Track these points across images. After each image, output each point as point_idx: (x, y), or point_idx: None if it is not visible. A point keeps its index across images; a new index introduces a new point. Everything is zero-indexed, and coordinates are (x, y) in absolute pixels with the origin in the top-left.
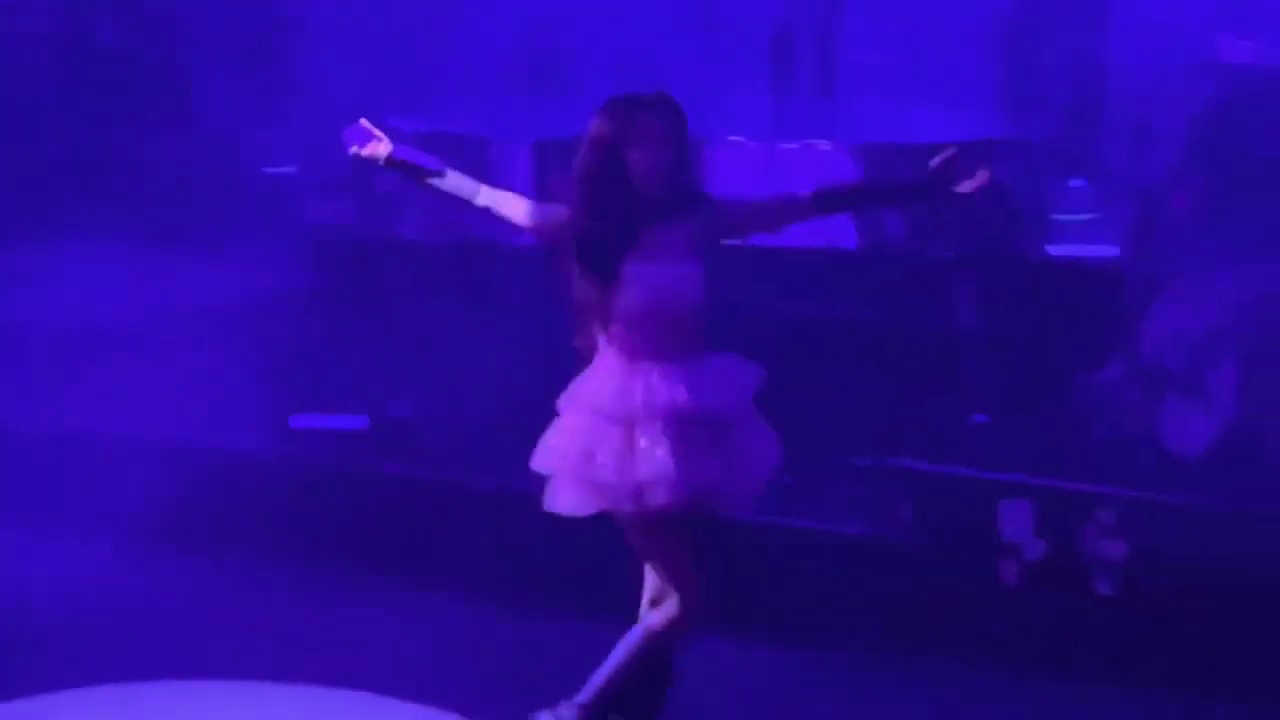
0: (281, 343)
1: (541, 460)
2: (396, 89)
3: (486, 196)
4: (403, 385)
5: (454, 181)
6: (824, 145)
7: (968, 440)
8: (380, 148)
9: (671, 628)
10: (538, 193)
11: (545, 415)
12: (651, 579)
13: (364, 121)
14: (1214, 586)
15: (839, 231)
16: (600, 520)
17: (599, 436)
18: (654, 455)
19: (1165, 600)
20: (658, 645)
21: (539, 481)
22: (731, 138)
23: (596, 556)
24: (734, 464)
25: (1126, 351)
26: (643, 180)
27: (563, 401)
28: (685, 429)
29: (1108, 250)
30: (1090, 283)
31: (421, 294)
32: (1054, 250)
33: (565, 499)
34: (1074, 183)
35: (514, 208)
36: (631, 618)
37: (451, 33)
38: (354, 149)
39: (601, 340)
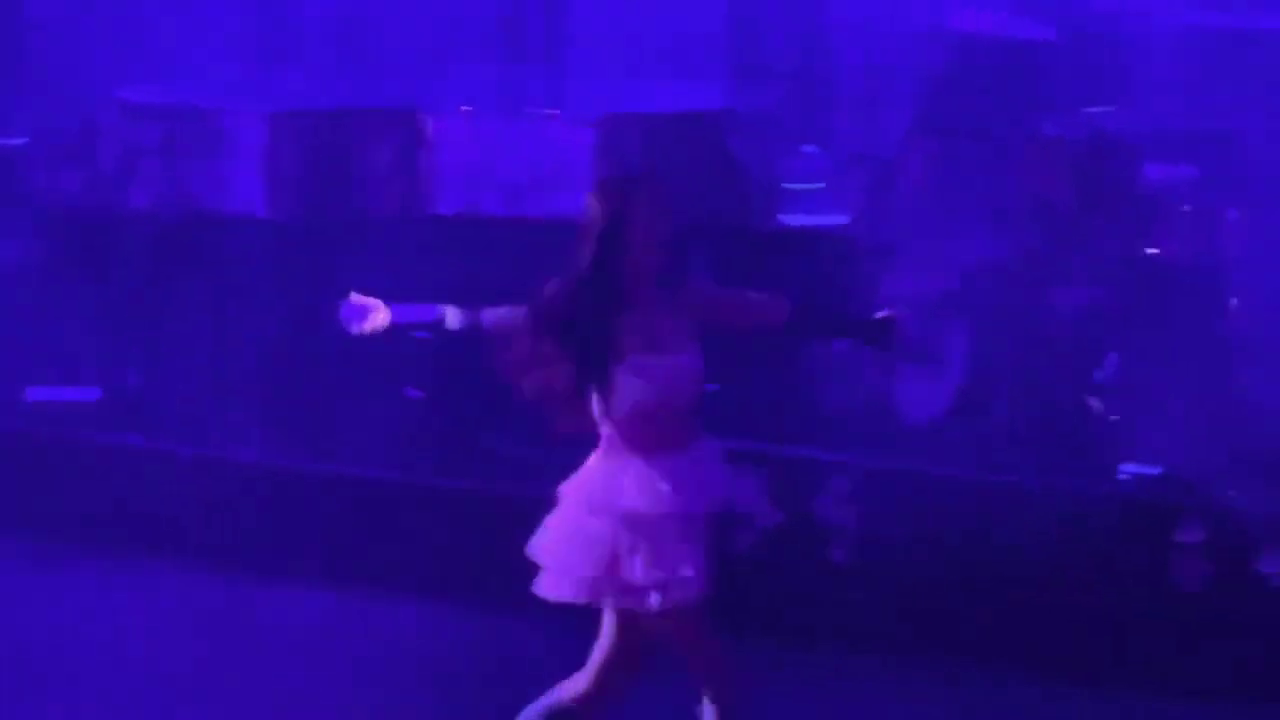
0: (13, 314)
1: (542, 552)
2: (128, 60)
3: (487, 318)
4: (133, 356)
5: (452, 319)
6: (555, 115)
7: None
8: (379, 319)
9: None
10: (270, 166)
11: (274, 385)
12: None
13: (355, 296)
14: (947, 552)
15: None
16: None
17: (602, 534)
18: (668, 554)
19: (899, 567)
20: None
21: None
22: (462, 108)
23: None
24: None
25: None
26: (644, 259)
27: (564, 490)
28: (686, 524)
29: (839, 218)
30: (822, 251)
31: (151, 265)
32: (786, 219)
33: (570, 588)
34: (805, 150)
35: (513, 319)
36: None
37: (182, 2)
38: (355, 328)
39: (599, 432)
